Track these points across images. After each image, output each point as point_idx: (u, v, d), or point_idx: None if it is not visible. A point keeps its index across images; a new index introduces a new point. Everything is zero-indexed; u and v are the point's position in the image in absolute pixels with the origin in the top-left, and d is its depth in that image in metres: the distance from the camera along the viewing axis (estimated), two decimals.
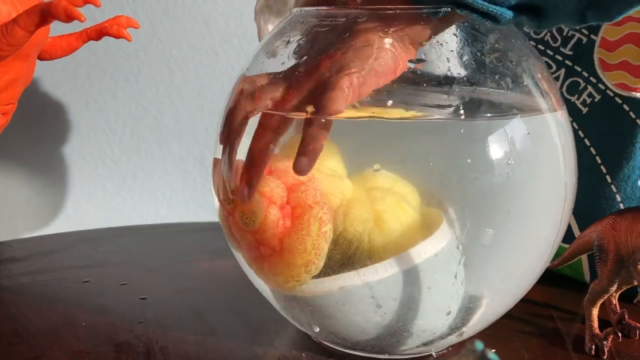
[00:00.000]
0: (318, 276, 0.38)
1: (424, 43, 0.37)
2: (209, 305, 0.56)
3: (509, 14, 0.35)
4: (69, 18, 0.30)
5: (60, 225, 1.05)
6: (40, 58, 0.41)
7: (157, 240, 0.78)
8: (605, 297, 0.45)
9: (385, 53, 0.36)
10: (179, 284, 0.61)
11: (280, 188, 0.36)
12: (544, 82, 0.42)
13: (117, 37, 0.39)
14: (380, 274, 0.37)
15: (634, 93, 0.51)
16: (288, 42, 0.40)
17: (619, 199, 0.54)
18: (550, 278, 0.55)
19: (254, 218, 0.36)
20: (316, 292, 0.38)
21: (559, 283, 0.58)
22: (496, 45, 0.40)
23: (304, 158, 0.34)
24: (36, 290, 0.59)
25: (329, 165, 0.38)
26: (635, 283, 0.44)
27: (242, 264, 0.45)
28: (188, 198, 1.10)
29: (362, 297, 0.38)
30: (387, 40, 0.36)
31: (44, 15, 0.30)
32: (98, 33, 0.40)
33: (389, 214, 0.37)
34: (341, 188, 0.37)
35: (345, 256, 0.37)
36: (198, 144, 1.09)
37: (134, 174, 1.10)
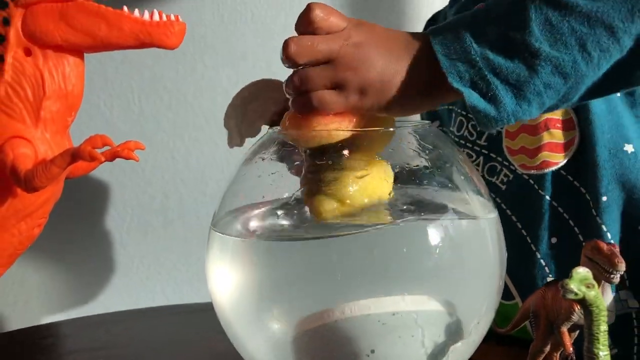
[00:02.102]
0: None
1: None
2: None
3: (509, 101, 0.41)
4: (92, 160, 0.39)
5: (73, 308, 1.12)
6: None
7: (162, 322, 0.86)
8: (542, 356, 0.52)
9: None
10: None
11: None
12: (475, 180, 0.51)
13: (127, 159, 0.48)
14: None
15: (532, 171, 0.62)
16: (263, 159, 0.49)
17: (538, 256, 0.63)
18: (510, 340, 0.62)
19: None
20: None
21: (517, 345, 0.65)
22: (433, 155, 0.49)
23: None
24: None
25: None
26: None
27: (239, 347, 0.52)
28: (192, 276, 1.17)
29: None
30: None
31: (74, 157, 0.40)
32: (112, 155, 0.50)
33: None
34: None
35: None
36: (200, 226, 1.17)
37: (142, 256, 1.18)
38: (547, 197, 0.62)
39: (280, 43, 0.42)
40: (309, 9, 0.41)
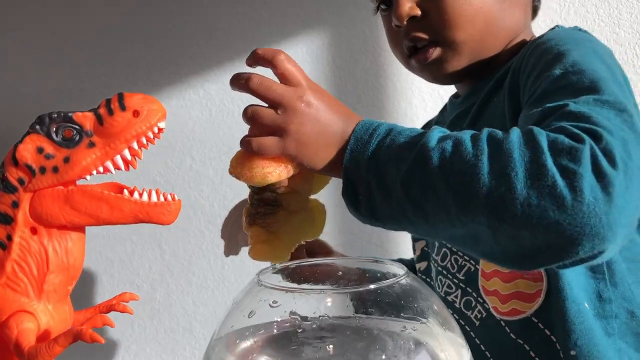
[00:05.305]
0: None
1: None
2: None
3: None
4: (93, 341, 0.42)
5: None
6: None
7: None
8: None
9: None
10: None
11: None
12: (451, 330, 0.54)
13: (122, 312, 0.51)
14: None
15: (500, 316, 0.63)
16: (250, 313, 0.52)
17: None
18: None
19: None
20: None
21: None
22: (411, 309, 0.52)
23: None
24: None
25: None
26: None
27: None
28: None
29: None
30: None
31: (76, 338, 0.43)
32: (107, 309, 0.53)
33: None
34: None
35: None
36: (187, 315, 1.20)
37: (127, 347, 1.20)
38: (520, 341, 0.63)
39: None
40: (273, 52, 0.47)
